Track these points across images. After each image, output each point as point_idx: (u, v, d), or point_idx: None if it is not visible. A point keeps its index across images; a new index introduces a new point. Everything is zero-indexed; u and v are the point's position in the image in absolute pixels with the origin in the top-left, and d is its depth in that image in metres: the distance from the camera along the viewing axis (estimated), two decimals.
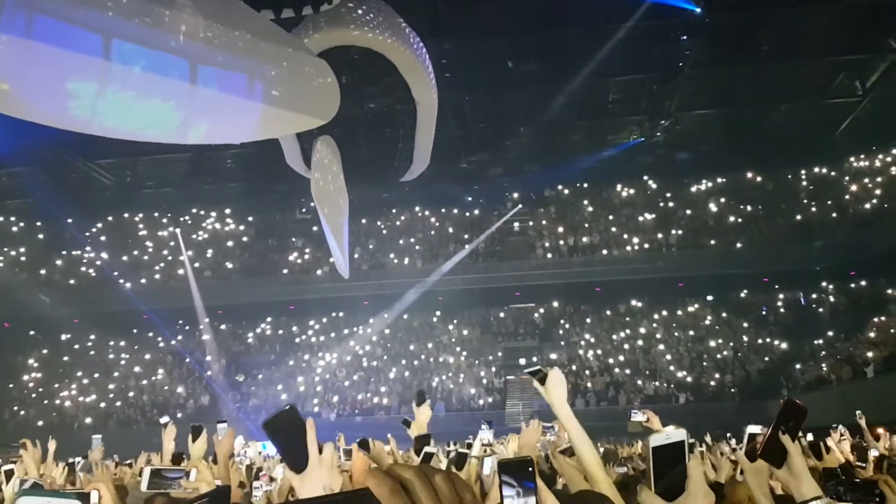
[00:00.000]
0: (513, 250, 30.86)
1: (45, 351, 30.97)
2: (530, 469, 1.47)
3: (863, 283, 26.81)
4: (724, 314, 28.59)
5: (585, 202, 31.79)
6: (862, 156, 28.63)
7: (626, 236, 29.78)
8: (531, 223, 31.58)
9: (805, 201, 29.76)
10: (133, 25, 6.98)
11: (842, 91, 24.79)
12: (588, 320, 29.70)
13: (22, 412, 28.12)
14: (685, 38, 19.86)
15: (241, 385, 28.48)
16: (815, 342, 25.51)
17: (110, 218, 32.59)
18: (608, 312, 29.80)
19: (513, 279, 29.21)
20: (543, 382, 2.71)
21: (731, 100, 24.84)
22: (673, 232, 29.57)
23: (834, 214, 28.45)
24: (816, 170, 30.09)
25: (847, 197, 28.45)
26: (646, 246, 29.29)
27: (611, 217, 30.94)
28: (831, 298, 27.44)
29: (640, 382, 26.00)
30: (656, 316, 29.02)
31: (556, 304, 30.34)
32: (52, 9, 6.42)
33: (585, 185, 31.68)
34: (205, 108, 7.85)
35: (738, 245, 28.46)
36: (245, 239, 32.94)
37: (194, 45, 7.37)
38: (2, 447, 14.33)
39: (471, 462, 3.90)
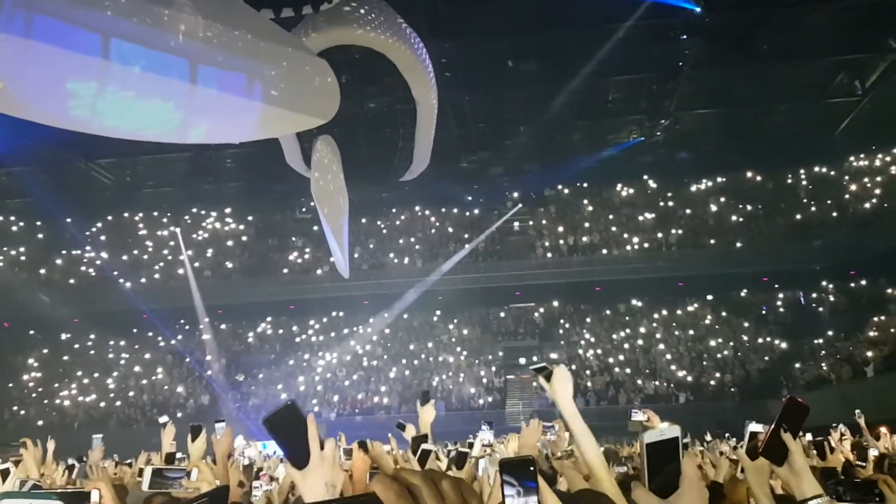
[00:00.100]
0: (513, 250, 30.86)
1: (44, 350, 30.96)
2: (532, 468, 1.47)
3: (862, 282, 26.81)
4: (723, 314, 28.60)
5: (585, 202, 31.80)
6: (862, 155, 28.64)
7: (625, 236, 29.79)
8: (531, 223, 31.59)
9: (805, 201, 29.76)
10: (133, 25, 6.98)
11: (841, 91, 24.80)
12: (588, 320, 29.71)
13: (22, 412, 28.11)
14: (685, 37, 19.86)
15: (241, 385, 28.48)
16: (815, 342, 25.51)
17: (110, 217, 32.60)
18: (608, 312, 29.81)
19: (513, 279, 29.22)
20: (549, 379, 2.71)
21: (730, 99, 24.85)
22: (673, 231, 29.59)
23: (834, 214, 28.45)
24: (816, 169, 30.10)
25: (847, 196, 28.46)
26: (646, 245, 29.30)
27: (611, 216, 30.95)
28: (831, 298, 27.45)
29: (640, 382, 26.00)
30: (656, 315, 29.02)
31: (556, 303, 30.34)
32: (52, 8, 6.41)
33: (585, 184, 31.69)
34: (205, 108, 7.85)
35: (738, 244, 28.46)
36: (245, 238, 32.94)
37: (194, 45, 7.36)
38: (2, 447, 14.34)
39: (470, 462, 3.91)
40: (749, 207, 29.74)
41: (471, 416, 22.47)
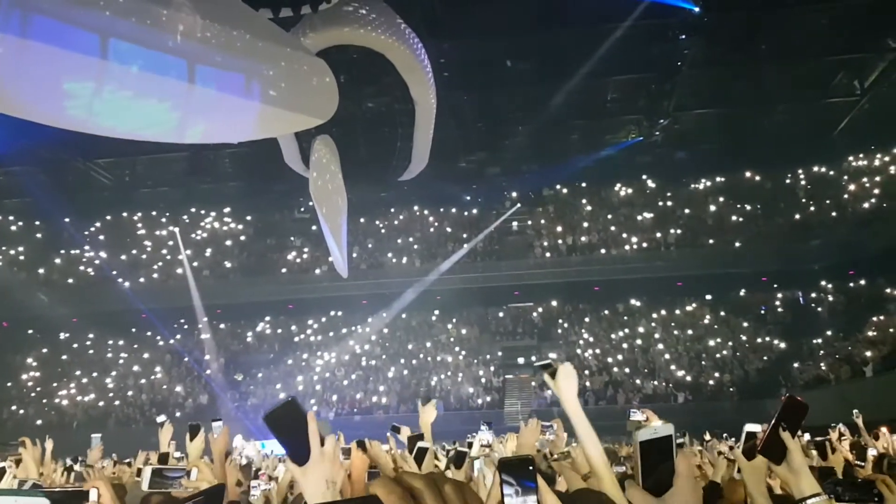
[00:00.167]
0: (511, 249, 30.85)
1: (43, 350, 30.94)
2: (531, 468, 1.47)
3: (861, 282, 26.80)
4: (722, 313, 28.60)
5: (584, 201, 31.79)
6: (860, 155, 28.64)
7: (624, 235, 29.78)
8: (530, 222, 31.59)
9: (804, 201, 29.76)
10: (130, 25, 6.97)
11: (840, 90, 24.83)
12: (587, 319, 29.70)
13: (21, 411, 28.08)
14: (683, 37, 19.89)
15: (240, 384, 28.47)
16: (814, 341, 25.51)
17: (109, 217, 32.57)
18: (607, 312, 29.80)
19: (511, 278, 29.22)
20: (554, 377, 2.71)
21: (729, 99, 24.86)
22: (671, 231, 29.59)
23: (833, 214, 28.44)
24: (815, 169, 30.09)
25: (846, 196, 28.46)
26: (644, 245, 29.30)
27: (609, 216, 30.94)
28: (830, 297, 27.46)
29: (638, 382, 26.00)
30: (655, 315, 29.01)
31: (554, 303, 30.34)
32: (50, 9, 6.41)
33: (584, 184, 31.68)
34: (203, 108, 7.84)
35: (737, 244, 28.46)
36: (243, 238, 32.93)
37: (192, 45, 7.36)
38: (1, 446, 14.34)
39: (468, 462, 3.91)
40: (748, 207, 29.75)
41: (469, 416, 22.47)
